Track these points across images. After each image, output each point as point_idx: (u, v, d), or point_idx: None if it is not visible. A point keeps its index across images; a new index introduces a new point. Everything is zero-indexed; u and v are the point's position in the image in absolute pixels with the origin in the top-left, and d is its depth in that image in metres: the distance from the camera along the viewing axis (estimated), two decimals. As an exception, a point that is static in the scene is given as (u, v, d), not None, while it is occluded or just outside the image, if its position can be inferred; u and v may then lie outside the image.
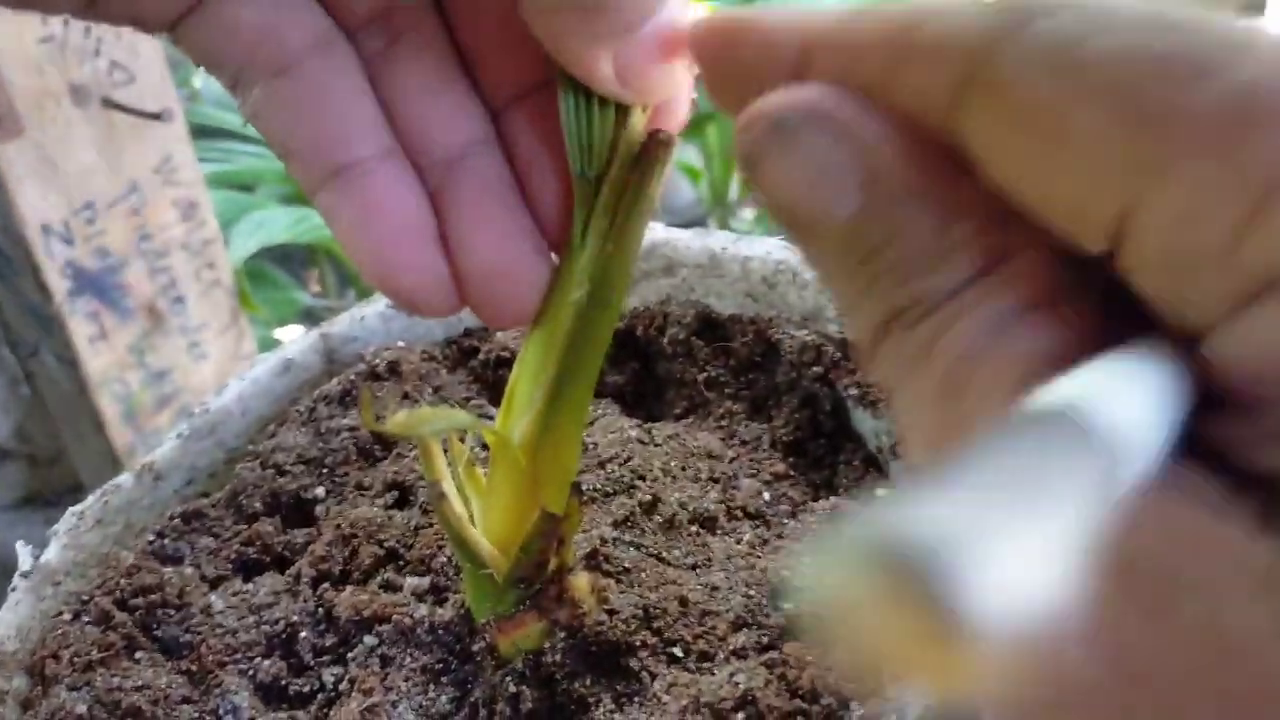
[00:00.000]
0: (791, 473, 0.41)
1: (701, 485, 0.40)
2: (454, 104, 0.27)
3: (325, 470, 0.42)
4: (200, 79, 1.51)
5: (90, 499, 0.41)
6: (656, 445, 0.41)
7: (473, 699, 0.33)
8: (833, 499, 0.37)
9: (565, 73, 0.26)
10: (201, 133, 1.28)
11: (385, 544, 0.38)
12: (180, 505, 0.42)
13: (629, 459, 0.40)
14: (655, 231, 0.48)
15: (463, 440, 0.33)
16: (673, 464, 0.40)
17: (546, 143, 0.28)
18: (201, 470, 0.44)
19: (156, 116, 0.89)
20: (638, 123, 0.28)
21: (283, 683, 0.35)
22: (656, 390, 0.47)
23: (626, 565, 0.35)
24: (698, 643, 0.33)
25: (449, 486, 0.31)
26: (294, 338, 0.48)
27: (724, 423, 0.44)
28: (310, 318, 1.80)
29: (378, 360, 0.45)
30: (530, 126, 0.28)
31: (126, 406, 0.95)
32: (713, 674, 0.32)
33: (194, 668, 0.36)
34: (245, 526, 0.41)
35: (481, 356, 0.48)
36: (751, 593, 0.34)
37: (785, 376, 0.42)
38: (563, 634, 0.32)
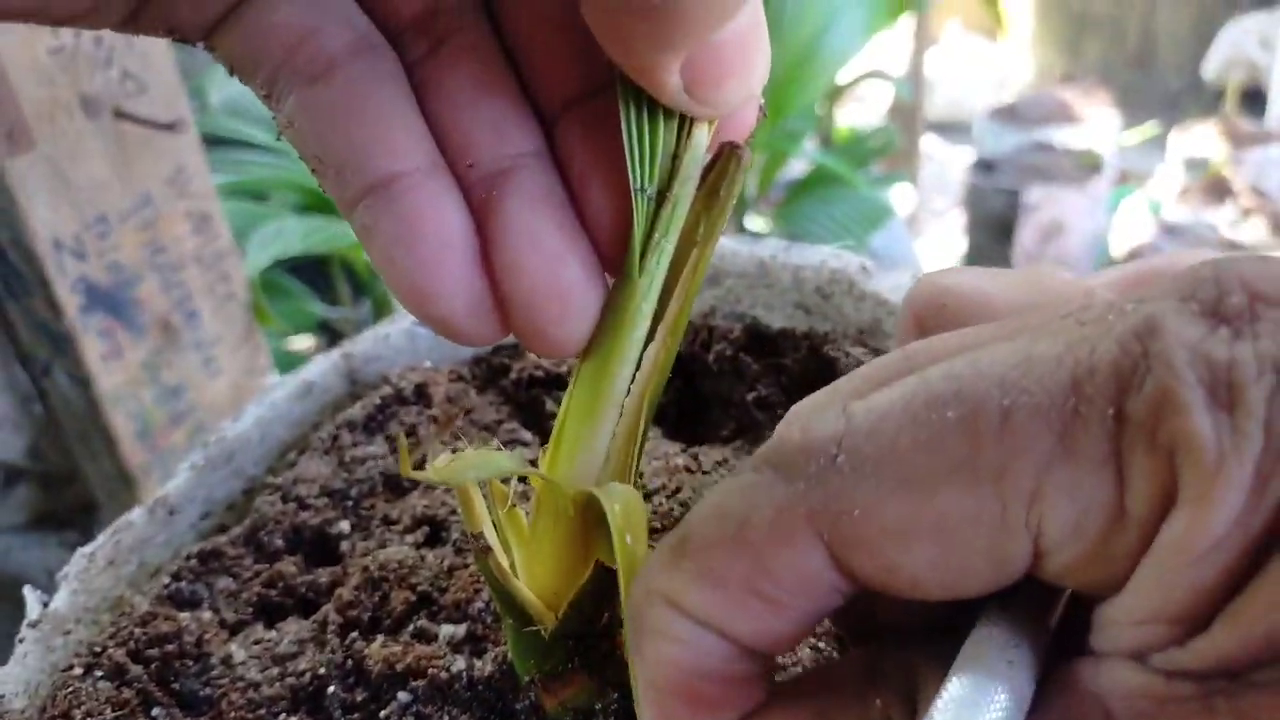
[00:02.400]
0: None
1: None
2: (502, 112, 0.25)
3: (350, 503, 0.40)
4: (216, 90, 1.50)
5: (101, 538, 0.39)
6: (705, 473, 0.39)
7: None
8: None
9: (626, 79, 0.24)
10: (213, 143, 1.26)
11: (418, 588, 0.35)
12: (196, 541, 0.40)
13: (677, 490, 0.37)
14: None
15: (505, 481, 0.30)
16: None
17: (604, 155, 0.25)
18: (219, 502, 0.42)
19: (169, 127, 0.87)
20: (704, 133, 0.25)
21: None
22: (702, 410, 0.44)
23: None
24: None
25: (490, 535, 0.28)
26: (314, 358, 0.46)
27: None
28: (326, 329, 1.78)
29: (404, 383, 0.43)
30: (586, 137, 0.25)
31: (140, 424, 0.93)
32: None
33: None
34: (266, 566, 0.38)
35: (513, 376, 0.46)
36: (821, 645, 0.32)
37: None
38: (615, 694, 0.30)
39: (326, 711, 0.33)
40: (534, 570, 0.29)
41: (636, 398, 0.28)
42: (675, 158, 0.26)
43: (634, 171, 0.25)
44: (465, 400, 0.44)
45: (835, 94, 2.67)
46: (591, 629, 0.29)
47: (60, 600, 0.36)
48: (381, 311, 1.66)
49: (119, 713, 0.33)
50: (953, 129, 3.79)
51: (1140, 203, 2.90)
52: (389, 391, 0.43)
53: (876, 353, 0.39)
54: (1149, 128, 3.35)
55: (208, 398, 0.98)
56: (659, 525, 0.36)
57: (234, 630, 0.36)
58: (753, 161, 0.26)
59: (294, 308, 1.48)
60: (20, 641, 0.35)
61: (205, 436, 0.98)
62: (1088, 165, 2.53)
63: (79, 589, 0.37)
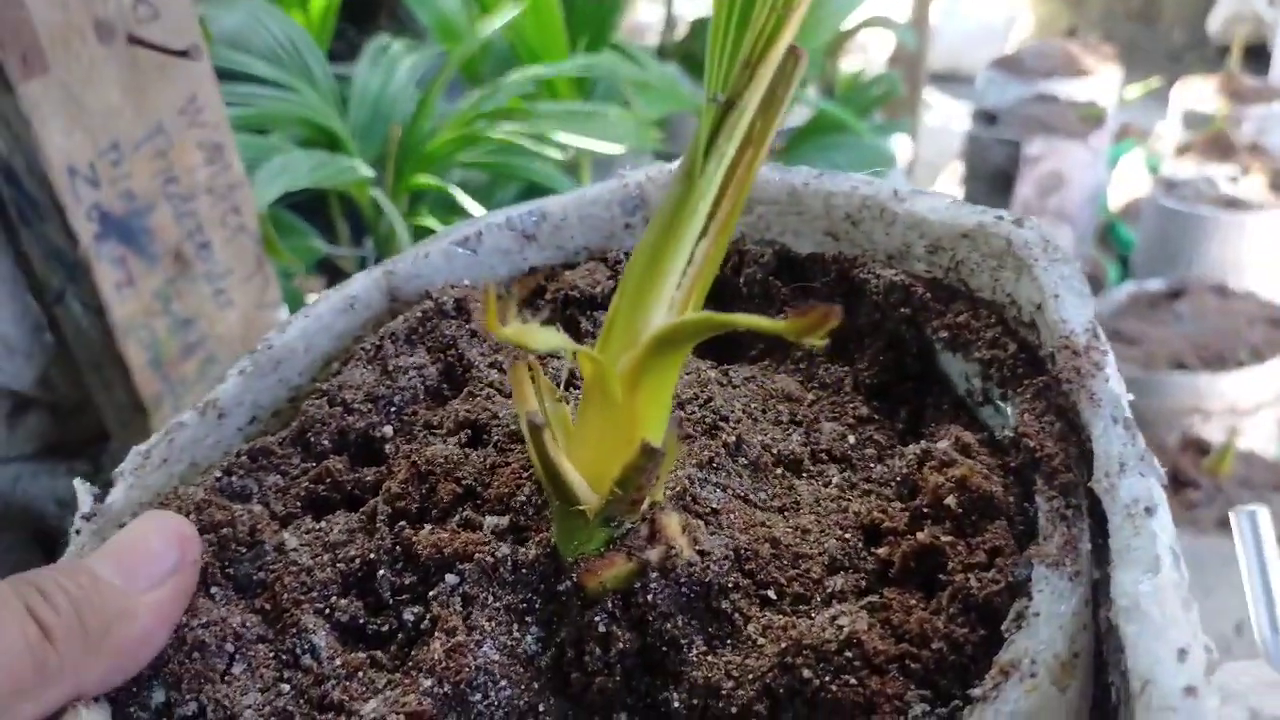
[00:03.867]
0: (876, 416, 0.39)
1: (784, 428, 0.39)
2: None
3: (393, 409, 0.41)
4: (217, 22, 1.48)
5: (154, 437, 0.40)
6: (735, 387, 0.40)
7: (559, 639, 0.32)
8: (923, 443, 0.36)
9: None
10: (219, 76, 1.25)
11: (463, 481, 0.36)
12: (245, 443, 0.41)
13: (709, 399, 0.39)
14: None
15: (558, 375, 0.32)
16: (753, 406, 0.39)
17: None
18: (265, 408, 0.43)
19: (183, 54, 0.86)
20: (783, 45, 0.27)
21: (361, 622, 0.34)
22: (731, 332, 0.45)
23: (715, 506, 0.34)
24: (792, 585, 0.32)
25: (542, 414, 0.30)
26: (355, 276, 0.46)
27: (802, 365, 0.42)
28: (326, 266, 1.77)
29: (445, 298, 0.44)
30: None
31: (153, 354, 0.93)
32: (810, 617, 0.31)
33: (269, 606, 0.35)
34: (314, 464, 0.39)
35: (549, 295, 0.46)
36: (847, 535, 0.33)
37: (869, 318, 0.40)
38: (654, 574, 0.31)
39: (376, 593, 0.34)
40: (580, 454, 0.30)
41: (686, 290, 0.30)
42: (750, 68, 0.27)
43: (710, 79, 0.26)
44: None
45: (839, 40, 2.65)
46: (634, 511, 0.31)
47: (116, 495, 0.37)
48: (384, 249, 1.65)
49: None
50: (953, 80, 3.76)
51: (1140, 158, 2.90)
52: (430, 306, 0.44)
53: (907, 275, 0.40)
54: (1151, 82, 3.34)
55: (219, 329, 0.98)
56: (694, 431, 0.37)
57: (284, 522, 0.38)
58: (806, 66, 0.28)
59: (296, 244, 1.48)
60: (76, 533, 0.36)
61: (216, 368, 0.98)
62: (1090, 118, 2.53)
63: (134, 484, 0.38)
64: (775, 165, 0.45)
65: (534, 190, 1.79)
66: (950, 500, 0.32)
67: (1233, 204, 2.26)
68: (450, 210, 1.63)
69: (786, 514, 0.35)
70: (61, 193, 0.83)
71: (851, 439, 0.38)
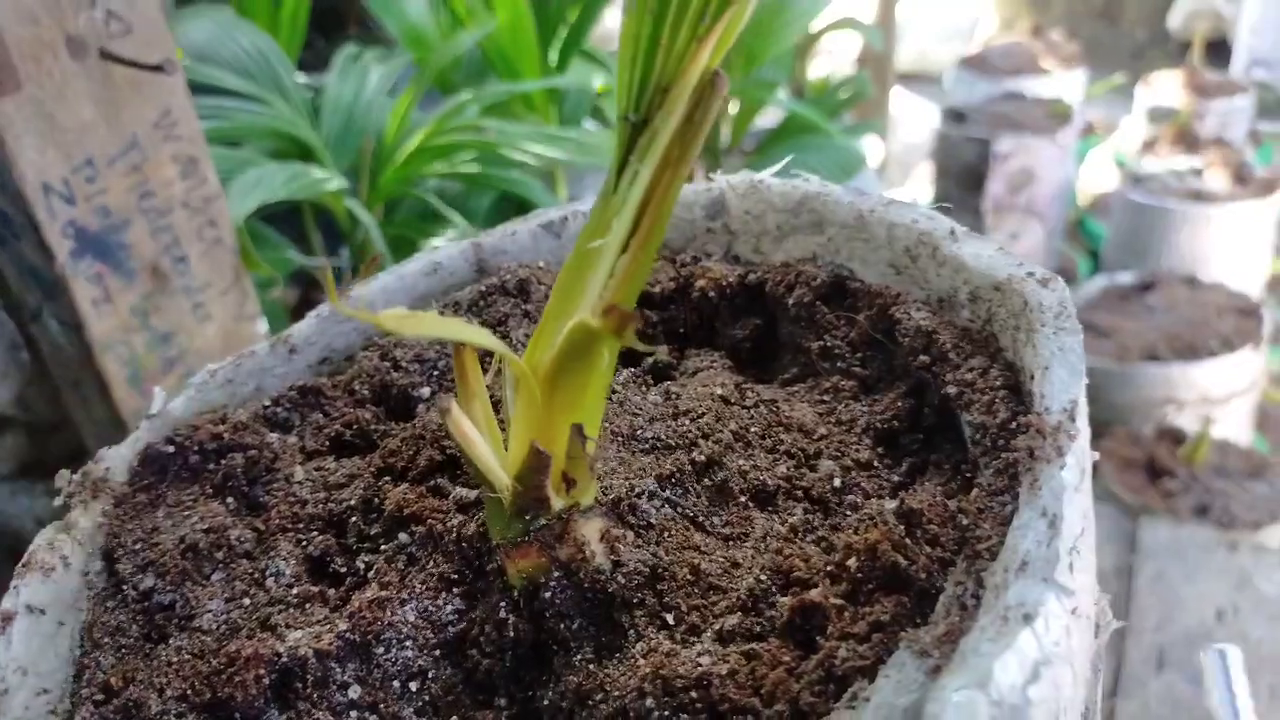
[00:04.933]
0: (875, 464, 0.37)
1: (774, 457, 0.38)
2: None
3: (437, 373, 0.43)
4: (186, 35, 1.47)
5: (225, 360, 0.43)
6: (744, 408, 0.40)
7: (473, 615, 0.33)
8: (905, 504, 0.33)
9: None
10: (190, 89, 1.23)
11: (447, 451, 0.38)
12: (311, 379, 0.44)
13: (702, 415, 0.39)
14: (810, 183, 0.45)
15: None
16: (752, 430, 0.39)
17: None
18: (339, 351, 0.45)
19: (157, 68, 0.86)
20: (698, 70, 0.27)
21: (326, 560, 0.37)
22: (775, 351, 0.45)
23: (653, 521, 0.34)
24: (691, 615, 0.32)
25: (480, 401, 0.31)
26: (440, 244, 0.48)
27: (828, 397, 0.41)
28: (300, 278, 1.76)
29: (509, 276, 0.45)
30: None
31: (132, 370, 0.92)
32: (690, 649, 0.31)
33: (263, 527, 0.37)
34: (353, 410, 0.42)
35: None
36: (764, 578, 0.32)
37: (902, 359, 0.39)
38: (558, 574, 0.32)
39: (345, 538, 0.37)
40: (511, 447, 0.32)
41: (605, 302, 0.30)
42: (662, 90, 0.28)
43: (621, 98, 0.27)
44: None
45: (807, 43, 2.66)
46: (542, 507, 0.31)
47: (177, 402, 0.41)
48: (361, 259, 1.65)
49: (191, 491, 0.38)
50: (920, 80, 3.79)
51: (1107, 153, 2.93)
52: (495, 282, 0.45)
53: (940, 323, 0.38)
54: (1115, 79, 3.38)
55: (198, 343, 0.98)
56: (673, 444, 0.37)
57: (309, 456, 0.41)
58: (727, 92, 0.28)
59: (270, 256, 1.47)
60: (137, 429, 0.40)
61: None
62: (1058, 115, 2.55)
63: (195, 397, 0.42)
64: (849, 188, 0.44)
65: (509, 199, 1.79)
66: (852, 563, 0.30)
67: (1198, 196, 2.30)
68: (425, 219, 1.62)
69: (730, 544, 0.34)
70: (36, 209, 0.82)
71: (838, 482, 0.37)
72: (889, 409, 0.38)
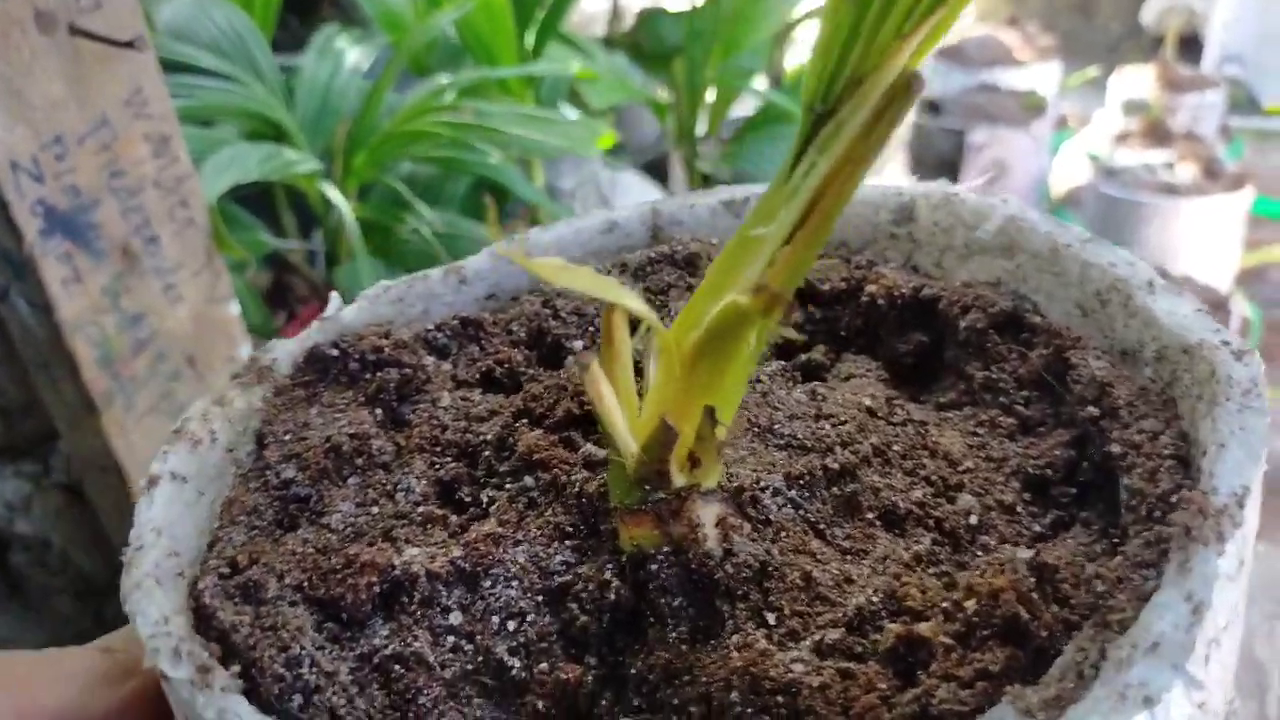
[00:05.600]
0: (1019, 509, 0.35)
1: (912, 480, 0.36)
2: None
3: (593, 329, 0.43)
4: (161, 12, 1.45)
5: (401, 279, 0.45)
6: (891, 424, 0.39)
7: (580, 570, 0.33)
8: (1040, 556, 0.31)
9: None
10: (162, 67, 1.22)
11: (586, 407, 0.38)
12: (476, 311, 0.45)
13: (844, 422, 0.38)
14: (1008, 205, 0.43)
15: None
16: (894, 448, 0.37)
17: None
18: (506, 290, 0.46)
19: (128, 45, 0.85)
20: (897, 65, 0.26)
21: (456, 486, 0.37)
22: (937, 372, 0.43)
23: (773, 518, 0.34)
24: (793, 620, 0.31)
25: (621, 364, 0.31)
26: (620, 209, 0.49)
27: (982, 430, 0.39)
28: (273, 260, 1.75)
29: (680, 248, 0.45)
30: None
31: (102, 351, 0.91)
32: (785, 653, 0.30)
33: (403, 443, 0.39)
34: (508, 349, 0.43)
35: None
36: (875, 600, 0.32)
37: (1070, 407, 0.37)
38: (668, 549, 0.32)
39: (475, 470, 0.38)
40: (645, 415, 0.32)
41: (759, 284, 0.30)
42: (857, 84, 0.27)
43: (809, 86, 0.27)
44: None
45: (785, 31, 2.67)
46: (663, 481, 0.31)
47: (349, 311, 0.43)
48: (334, 241, 1.64)
49: (345, 396, 0.40)
50: (897, 70, 3.80)
51: (1080, 146, 2.95)
52: (665, 250, 0.45)
53: (1120, 376, 0.36)
54: (1090, 72, 3.40)
55: (169, 325, 0.97)
56: (808, 445, 0.37)
57: (459, 385, 0.42)
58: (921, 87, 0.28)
59: (243, 238, 1.46)
60: (309, 329, 0.42)
61: (167, 365, 0.96)
62: (1032, 107, 2.57)
63: (366, 308, 0.43)
64: (1048, 216, 0.42)
65: (484, 184, 1.78)
66: (970, 605, 0.30)
67: (1169, 190, 2.32)
68: (400, 203, 1.61)
69: (847, 558, 0.34)
70: (4, 188, 0.81)
71: (975, 519, 0.35)
72: (1045, 455, 0.36)
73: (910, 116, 2.79)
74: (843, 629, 0.31)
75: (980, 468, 0.37)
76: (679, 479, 0.31)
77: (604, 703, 0.31)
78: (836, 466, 0.36)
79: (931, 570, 0.33)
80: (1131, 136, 2.57)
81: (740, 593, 0.32)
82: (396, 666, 0.31)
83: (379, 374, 0.41)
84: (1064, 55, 3.12)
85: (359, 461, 0.38)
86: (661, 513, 0.32)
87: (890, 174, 3.09)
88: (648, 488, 0.32)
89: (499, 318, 0.44)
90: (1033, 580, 0.30)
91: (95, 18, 0.85)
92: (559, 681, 0.31)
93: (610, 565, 0.32)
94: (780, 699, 0.28)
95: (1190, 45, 3.58)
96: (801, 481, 0.35)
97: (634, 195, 2.12)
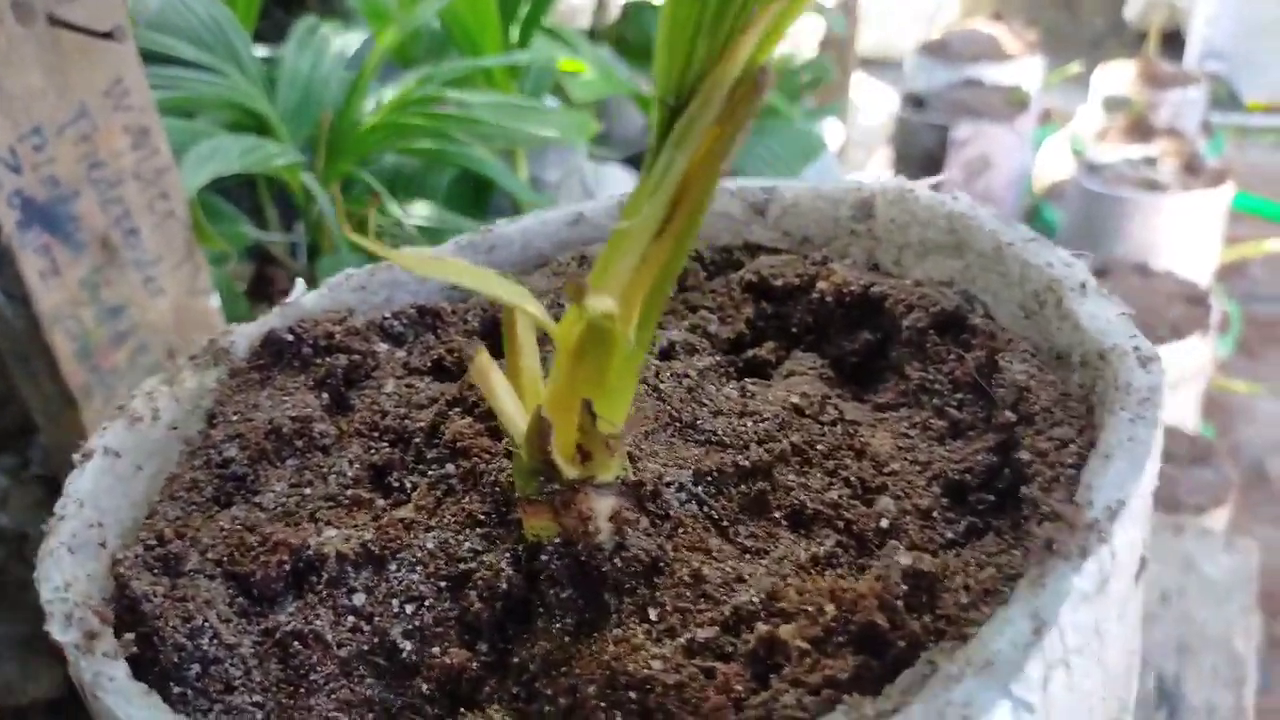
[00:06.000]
0: (934, 514, 0.34)
1: (831, 480, 0.35)
2: None
3: (556, 319, 0.44)
4: (142, 4, 1.43)
5: (364, 267, 0.46)
6: (819, 423, 0.38)
7: (484, 557, 0.34)
8: (916, 565, 0.30)
9: None
10: (142, 58, 1.21)
11: None
12: (445, 303, 0.45)
13: (766, 419, 0.37)
14: (958, 203, 0.42)
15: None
16: (818, 447, 0.36)
17: None
18: None
19: (108, 35, 0.84)
20: (741, 57, 0.26)
21: (387, 471, 0.38)
22: (882, 371, 0.42)
23: (672, 514, 0.33)
24: (673, 617, 0.31)
25: (524, 356, 0.32)
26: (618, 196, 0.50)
27: (914, 433, 0.38)
28: (255, 253, 1.74)
29: None
30: None
31: (81, 344, 0.91)
32: (658, 649, 0.30)
33: (344, 427, 0.40)
34: (460, 338, 0.43)
35: (740, 274, 0.46)
36: (755, 601, 0.31)
37: (999, 410, 0.36)
38: (558, 540, 0.32)
39: (404, 458, 0.38)
40: (540, 408, 0.32)
41: (636, 286, 0.30)
42: (704, 77, 0.27)
43: (659, 80, 0.26)
44: (690, 279, 0.47)
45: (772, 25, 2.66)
46: (553, 472, 0.32)
47: (310, 297, 0.44)
48: (316, 235, 1.63)
49: (297, 380, 0.41)
50: (882, 65, 3.81)
51: (1063, 141, 2.96)
52: None
53: (1044, 381, 0.35)
54: (1073, 68, 3.41)
55: (150, 317, 0.96)
56: (725, 442, 0.36)
57: (410, 372, 0.42)
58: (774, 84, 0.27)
59: (225, 230, 1.45)
60: (267, 313, 0.43)
61: (148, 357, 0.95)
62: (1016, 102, 2.58)
63: (328, 295, 0.45)
64: (997, 216, 0.41)
65: (468, 177, 1.77)
66: (830, 610, 0.29)
67: (1151, 185, 2.33)
68: (383, 196, 1.61)
69: (745, 557, 0.33)
70: (-19, 178, 0.80)
71: (886, 523, 0.33)
72: (968, 460, 0.35)
73: (894, 111, 2.80)
74: (718, 628, 0.30)
75: (905, 470, 0.35)
76: (571, 471, 0.32)
77: (487, 689, 0.31)
78: (748, 464, 0.35)
79: (828, 573, 0.32)
80: (1114, 132, 2.58)
81: (628, 586, 0.31)
82: (295, 643, 0.32)
83: (328, 359, 0.41)
84: (1047, 51, 3.13)
85: (299, 444, 0.39)
86: (555, 504, 0.32)
87: (874, 169, 3.09)
88: (541, 479, 0.32)
89: (458, 307, 0.45)
90: (904, 588, 0.29)
91: (75, 8, 0.84)
92: (445, 666, 0.31)
93: (508, 554, 0.33)
94: (633, 695, 0.28)
95: (1172, 41, 3.59)
96: (710, 478, 0.35)
97: (619, 188, 2.12)
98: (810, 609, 0.29)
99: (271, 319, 0.43)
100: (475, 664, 0.32)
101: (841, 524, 0.34)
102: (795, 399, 0.39)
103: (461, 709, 0.31)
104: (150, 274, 0.96)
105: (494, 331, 0.43)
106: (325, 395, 0.41)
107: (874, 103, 3.45)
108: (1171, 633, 1.16)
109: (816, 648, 0.28)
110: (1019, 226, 0.40)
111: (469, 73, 1.72)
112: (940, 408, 0.38)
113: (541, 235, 0.48)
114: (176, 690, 0.31)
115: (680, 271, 0.31)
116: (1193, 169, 2.39)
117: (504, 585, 0.32)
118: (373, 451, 0.39)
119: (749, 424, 0.37)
